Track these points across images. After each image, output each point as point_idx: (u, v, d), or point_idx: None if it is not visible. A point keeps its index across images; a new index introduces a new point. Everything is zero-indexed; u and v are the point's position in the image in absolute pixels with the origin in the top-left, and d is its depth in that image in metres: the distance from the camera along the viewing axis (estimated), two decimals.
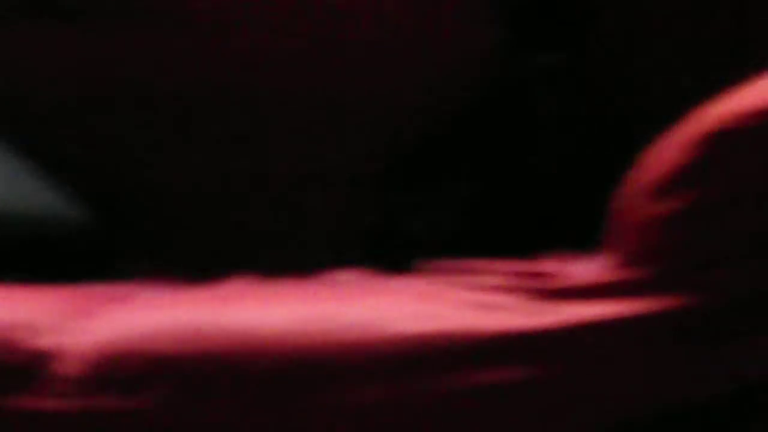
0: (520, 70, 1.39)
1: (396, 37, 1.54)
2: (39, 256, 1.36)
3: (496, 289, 1.11)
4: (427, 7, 1.52)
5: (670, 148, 1.02)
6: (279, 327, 1.06)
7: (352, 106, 1.56)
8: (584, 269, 1.14)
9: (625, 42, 1.50)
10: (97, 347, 1.07)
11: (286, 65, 1.54)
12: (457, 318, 1.08)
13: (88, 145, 1.56)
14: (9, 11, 1.52)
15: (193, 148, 1.56)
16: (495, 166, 1.44)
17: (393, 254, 1.42)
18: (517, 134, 1.42)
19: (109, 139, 1.56)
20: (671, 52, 1.49)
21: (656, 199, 1.02)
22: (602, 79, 1.48)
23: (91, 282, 1.27)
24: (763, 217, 0.98)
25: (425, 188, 1.45)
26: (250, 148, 1.56)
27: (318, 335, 1.06)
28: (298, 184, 1.57)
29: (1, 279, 1.19)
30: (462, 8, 1.48)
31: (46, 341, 1.09)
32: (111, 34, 1.53)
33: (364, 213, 1.49)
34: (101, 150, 1.56)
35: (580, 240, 1.29)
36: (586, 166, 1.45)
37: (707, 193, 0.98)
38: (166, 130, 1.55)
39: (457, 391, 1.05)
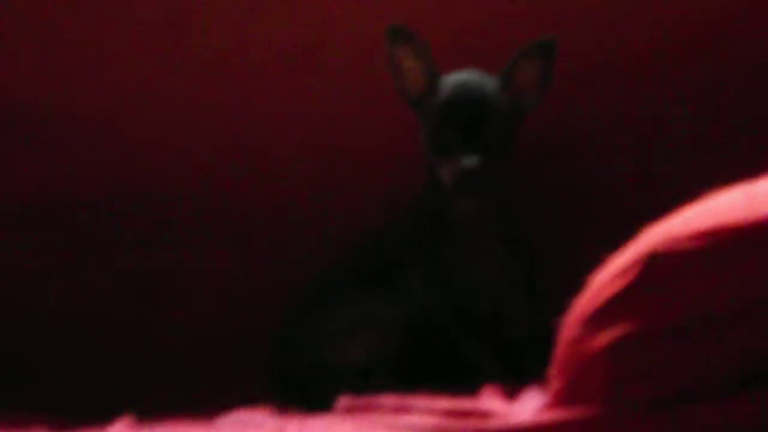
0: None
1: None
2: None
3: (427, 429, 1.00)
4: None
5: (608, 274, 0.92)
6: None
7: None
8: (523, 407, 1.05)
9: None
10: None
11: None
12: None
13: None
14: None
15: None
16: (419, 287, 1.37)
17: (309, 388, 1.33)
18: (444, 249, 1.36)
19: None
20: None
21: (594, 329, 0.92)
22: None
23: None
24: (711, 350, 0.88)
25: (344, 312, 1.36)
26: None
27: None
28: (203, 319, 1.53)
29: None
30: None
31: None
32: None
33: (277, 344, 1.40)
34: None
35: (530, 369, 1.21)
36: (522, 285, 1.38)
37: (645, 322, 0.89)
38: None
39: None
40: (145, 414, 1.20)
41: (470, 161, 1.29)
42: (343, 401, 1.15)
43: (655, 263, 0.89)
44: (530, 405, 1.03)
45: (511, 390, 1.17)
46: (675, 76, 1.48)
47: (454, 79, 1.33)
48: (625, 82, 1.49)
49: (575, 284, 0.98)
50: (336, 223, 1.51)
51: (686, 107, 1.47)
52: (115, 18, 1.52)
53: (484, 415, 1.01)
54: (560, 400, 0.97)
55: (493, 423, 0.99)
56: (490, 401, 1.10)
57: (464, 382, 1.20)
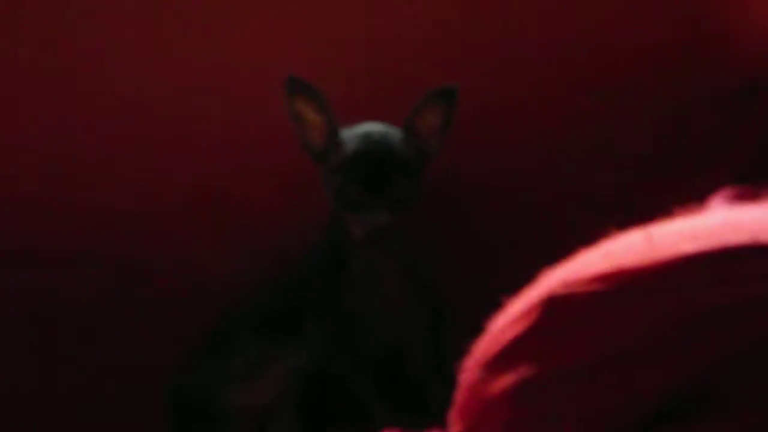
0: None
1: None
2: None
3: None
4: None
5: (506, 318, 0.91)
6: None
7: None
8: None
9: None
10: None
11: None
12: None
13: None
14: None
15: None
16: (320, 333, 1.35)
17: None
18: (346, 296, 1.34)
19: None
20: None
21: (493, 373, 0.91)
22: None
23: None
24: (613, 391, 0.87)
25: (247, 355, 1.34)
26: None
27: None
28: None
29: None
30: None
31: None
32: None
33: (177, 387, 1.37)
34: None
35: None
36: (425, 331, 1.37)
37: (544, 365, 0.88)
38: None
39: None
40: None
41: (379, 217, 1.27)
42: None
43: (553, 307, 0.88)
44: None
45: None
46: (572, 118, 1.50)
47: (357, 132, 1.31)
48: (526, 125, 1.50)
49: (478, 328, 0.97)
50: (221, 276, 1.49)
51: (585, 150, 1.49)
52: None
53: None
54: None
55: None
56: None
57: (364, 427, 1.19)
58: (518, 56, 1.50)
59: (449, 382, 1.00)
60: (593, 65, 1.50)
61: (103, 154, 1.49)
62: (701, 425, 0.84)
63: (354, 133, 1.32)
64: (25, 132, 1.49)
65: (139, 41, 1.48)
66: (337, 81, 1.42)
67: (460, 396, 0.96)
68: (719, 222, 0.90)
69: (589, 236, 0.94)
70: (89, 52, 1.47)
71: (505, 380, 0.89)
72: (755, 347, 0.84)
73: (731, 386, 0.85)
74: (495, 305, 0.95)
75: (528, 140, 1.50)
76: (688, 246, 0.86)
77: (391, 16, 1.49)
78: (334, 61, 1.47)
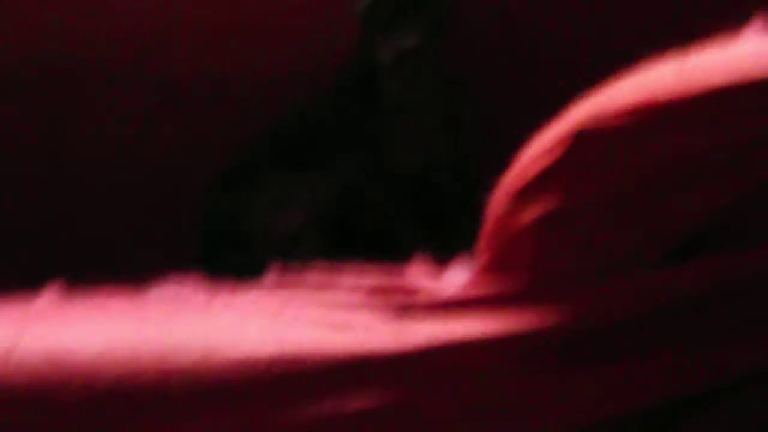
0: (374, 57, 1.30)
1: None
2: None
3: (353, 306, 0.99)
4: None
5: (535, 150, 0.91)
6: (98, 350, 0.93)
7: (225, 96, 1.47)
8: (450, 282, 1.04)
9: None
10: None
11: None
12: (309, 339, 0.97)
13: None
14: None
15: None
16: (350, 161, 1.34)
17: (237, 258, 1.32)
18: (375, 125, 1.33)
19: None
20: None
21: (521, 204, 0.91)
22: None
23: None
24: (636, 225, 0.88)
25: (275, 185, 1.34)
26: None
27: (146, 360, 0.94)
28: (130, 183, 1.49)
29: None
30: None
31: None
32: None
33: (207, 213, 1.38)
34: None
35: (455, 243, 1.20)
36: (452, 160, 1.36)
37: (572, 197, 0.88)
38: None
39: (306, 421, 0.94)
40: (74, 283, 1.18)
41: (409, 41, 1.26)
42: (272, 275, 1.14)
43: (582, 140, 0.88)
44: (457, 280, 1.03)
45: (439, 264, 1.16)
46: None
47: None
48: None
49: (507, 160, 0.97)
50: (259, 96, 1.48)
51: None
52: None
53: (410, 291, 1.01)
54: (487, 274, 0.96)
55: (419, 299, 0.99)
56: (417, 277, 1.09)
57: (393, 254, 1.20)
58: None
59: (477, 212, 1.01)
60: None
61: None
62: (708, 261, 0.85)
63: None
64: None
65: None
66: None
67: (488, 227, 0.97)
68: (751, 53, 0.89)
69: (620, 67, 0.93)
70: None
71: (534, 211, 0.90)
72: None
73: (747, 223, 0.85)
74: (525, 136, 0.96)
75: None
76: (719, 78, 0.85)
77: None
78: None
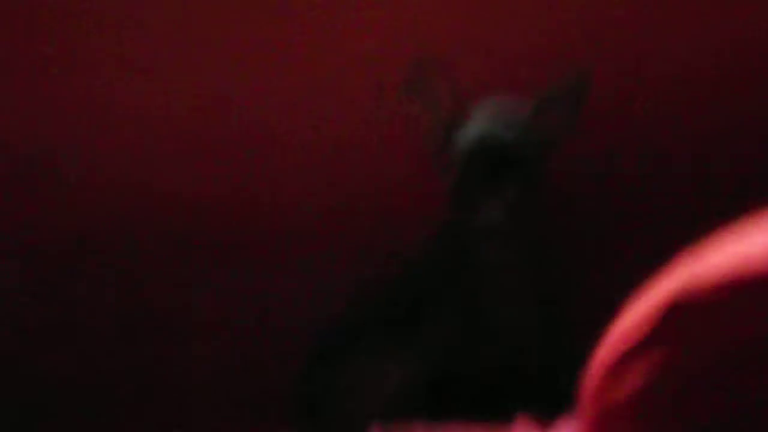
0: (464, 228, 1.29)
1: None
2: None
3: None
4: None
5: (628, 321, 0.89)
6: None
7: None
8: None
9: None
10: None
11: None
12: None
13: None
14: None
15: None
16: (444, 327, 1.33)
17: (337, 422, 1.31)
18: (466, 290, 1.32)
19: None
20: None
21: (617, 378, 0.89)
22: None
23: None
24: (734, 396, 0.84)
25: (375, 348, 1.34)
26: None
27: None
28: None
29: None
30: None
31: None
32: None
33: (306, 378, 1.38)
34: None
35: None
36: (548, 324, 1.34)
37: (667, 371, 0.85)
38: None
39: None
40: None
41: (497, 210, 1.25)
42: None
43: (675, 313, 0.85)
44: None
45: (544, 423, 1.14)
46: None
47: (481, 117, 1.28)
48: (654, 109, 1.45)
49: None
50: (347, 264, 1.48)
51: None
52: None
53: None
54: None
55: None
56: None
57: (494, 413, 1.18)
58: (654, 44, 1.44)
59: (568, 376, 0.99)
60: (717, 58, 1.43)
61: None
62: None
63: (477, 115, 1.29)
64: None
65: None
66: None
67: (585, 398, 0.94)
68: None
69: (705, 228, 0.90)
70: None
71: (628, 387, 0.87)
72: None
73: None
74: (617, 301, 0.94)
75: (653, 130, 1.45)
76: None
77: None
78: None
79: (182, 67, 1.48)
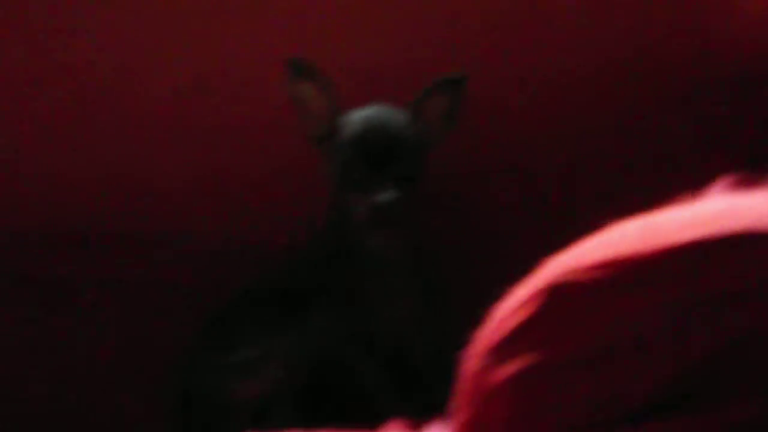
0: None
1: None
2: None
3: None
4: None
5: (509, 306, 0.92)
6: None
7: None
8: None
9: None
10: None
11: None
12: None
13: None
14: None
15: None
16: (324, 323, 1.35)
17: (210, 423, 1.31)
18: (352, 283, 1.35)
19: None
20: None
21: (496, 361, 0.91)
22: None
23: None
24: (615, 380, 0.88)
25: (249, 347, 1.34)
26: None
27: None
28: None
29: None
30: None
31: None
32: None
33: (178, 377, 1.38)
34: None
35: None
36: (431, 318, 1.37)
37: (548, 353, 0.88)
38: None
39: None
40: None
41: (386, 196, 1.28)
42: None
43: (555, 294, 0.89)
44: None
45: (415, 424, 1.16)
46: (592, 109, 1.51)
47: (361, 113, 1.33)
48: (536, 112, 1.51)
49: (480, 316, 0.98)
50: (233, 258, 1.50)
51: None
52: None
53: None
54: None
55: None
56: None
57: (368, 415, 1.19)
58: (527, 50, 1.50)
59: (450, 370, 1.02)
60: (599, 57, 1.50)
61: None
62: (691, 418, 0.85)
63: (358, 114, 1.33)
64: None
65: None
66: (341, 67, 1.43)
67: (463, 385, 0.97)
68: (718, 209, 0.91)
69: (590, 225, 0.95)
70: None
71: (509, 368, 0.90)
72: (753, 337, 0.85)
73: (725, 377, 0.85)
74: (497, 294, 0.97)
75: (533, 129, 1.51)
76: (685, 234, 0.87)
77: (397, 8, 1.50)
78: (336, 53, 1.48)
79: None
